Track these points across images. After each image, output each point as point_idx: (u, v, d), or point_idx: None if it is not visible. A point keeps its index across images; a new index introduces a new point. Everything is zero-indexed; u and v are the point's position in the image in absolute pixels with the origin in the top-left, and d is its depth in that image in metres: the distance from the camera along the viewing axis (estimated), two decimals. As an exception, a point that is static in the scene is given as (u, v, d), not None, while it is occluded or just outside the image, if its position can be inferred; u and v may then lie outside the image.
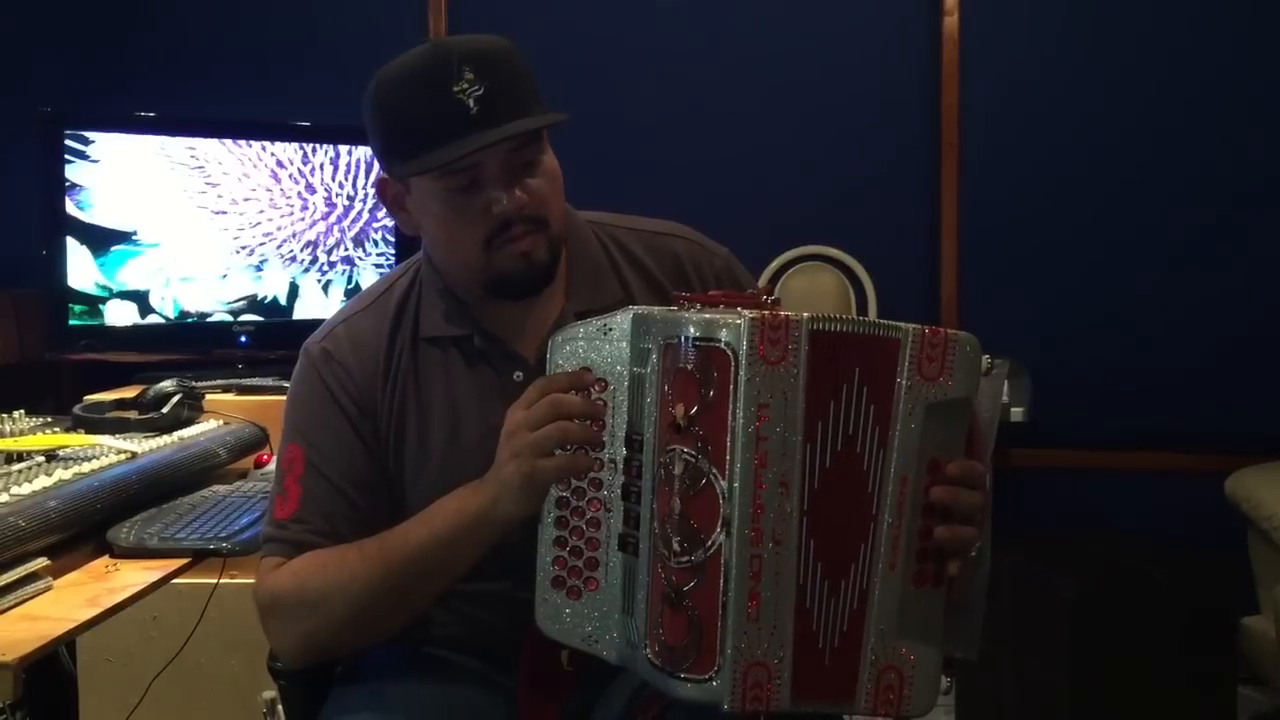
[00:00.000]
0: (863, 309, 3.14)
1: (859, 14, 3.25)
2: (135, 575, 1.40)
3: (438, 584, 1.26)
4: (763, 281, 3.08)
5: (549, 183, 1.29)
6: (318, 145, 2.88)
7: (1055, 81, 3.19)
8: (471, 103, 1.20)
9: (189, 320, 2.79)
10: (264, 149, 2.83)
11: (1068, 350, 3.17)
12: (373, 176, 2.98)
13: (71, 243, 2.64)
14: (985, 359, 1.14)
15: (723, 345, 1.05)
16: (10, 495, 1.40)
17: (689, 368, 1.06)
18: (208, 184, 2.78)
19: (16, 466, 1.57)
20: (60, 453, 1.66)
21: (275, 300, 2.87)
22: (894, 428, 1.10)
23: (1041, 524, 3.08)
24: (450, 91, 1.20)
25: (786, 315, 1.06)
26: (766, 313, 1.07)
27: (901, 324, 1.11)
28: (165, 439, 1.82)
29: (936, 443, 1.11)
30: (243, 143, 2.80)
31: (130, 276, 2.72)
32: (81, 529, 1.45)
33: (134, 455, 1.69)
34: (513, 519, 1.18)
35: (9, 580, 1.27)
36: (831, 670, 1.09)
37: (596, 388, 1.14)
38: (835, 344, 1.08)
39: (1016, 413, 2.77)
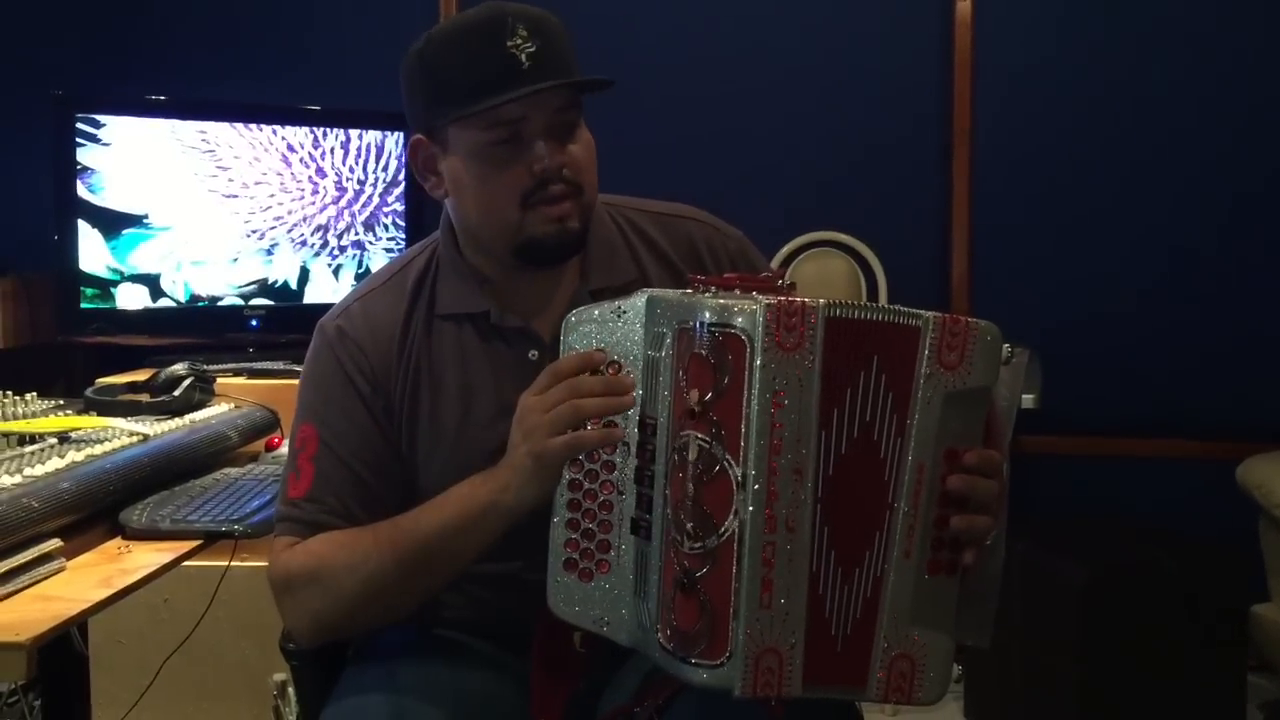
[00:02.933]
0: (873, 295, 3.14)
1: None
2: (147, 557, 1.41)
3: (449, 569, 1.26)
4: (774, 266, 3.08)
5: (587, 151, 1.31)
6: (329, 129, 2.88)
7: (1067, 68, 3.17)
8: (524, 58, 1.23)
9: (200, 304, 2.79)
10: (275, 133, 2.83)
11: (1079, 337, 3.16)
12: (382, 159, 2.98)
13: (83, 226, 2.65)
14: (1005, 348, 1.14)
15: (738, 331, 1.04)
16: (23, 477, 1.40)
17: (704, 353, 1.05)
18: (219, 168, 2.78)
19: (29, 448, 1.57)
20: (73, 435, 1.67)
21: (286, 284, 2.88)
22: (912, 416, 1.09)
23: (1052, 511, 3.08)
24: (505, 46, 1.23)
25: (803, 301, 1.06)
26: (783, 299, 1.06)
27: (922, 312, 1.10)
28: (177, 422, 1.83)
29: (954, 432, 1.11)
30: (254, 126, 2.80)
31: (141, 260, 2.72)
32: (94, 511, 1.45)
33: (146, 438, 1.69)
34: (524, 505, 1.18)
35: (22, 561, 1.27)
36: (844, 657, 1.09)
37: (610, 370, 1.14)
38: (853, 331, 1.08)
39: (1028, 399, 2.76)
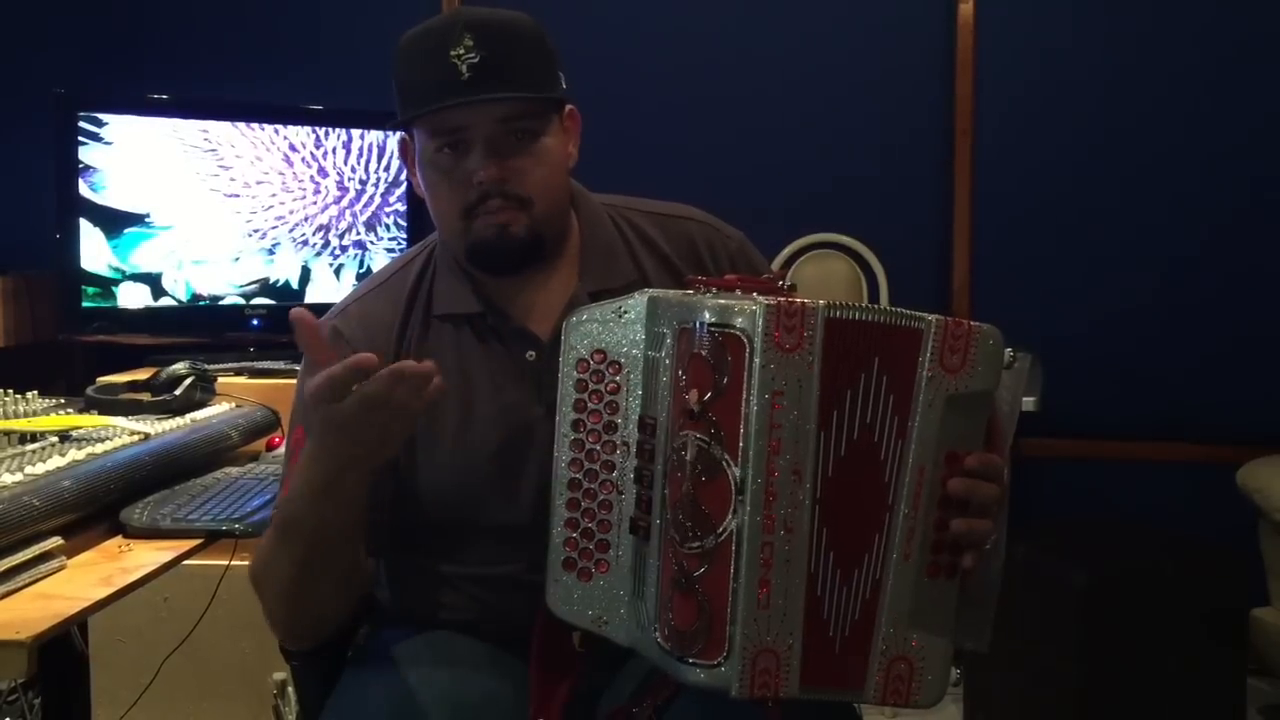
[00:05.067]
0: (874, 297, 3.14)
1: (874, 1, 3.24)
2: (148, 555, 1.41)
3: (334, 546, 1.22)
4: (774, 268, 3.08)
5: (539, 163, 1.29)
6: (330, 129, 2.88)
7: (1070, 70, 3.17)
8: (464, 68, 1.23)
9: (201, 303, 2.80)
10: (277, 132, 2.83)
11: (1079, 340, 3.16)
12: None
13: (85, 225, 2.65)
14: (1007, 352, 1.14)
15: (738, 331, 1.04)
16: (24, 475, 1.40)
17: (703, 353, 1.06)
18: (220, 167, 2.78)
19: (30, 447, 1.57)
20: (73, 433, 1.67)
21: (287, 284, 2.88)
22: (913, 418, 1.09)
23: (1052, 514, 3.08)
24: (447, 55, 1.24)
25: (803, 302, 1.06)
26: (782, 299, 1.06)
27: (924, 314, 1.10)
28: (178, 421, 1.83)
29: (956, 434, 1.11)
30: (255, 126, 2.81)
31: (143, 259, 2.72)
32: (95, 509, 1.45)
33: (147, 436, 1.69)
34: (365, 478, 1.17)
35: (23, 559, 1.28)
36: (842, 659, 1.09)
37: (610, 370, 1.14)
38: (853, 332, 1.08)
39: (1028, 402, 2.75)
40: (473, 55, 1.23)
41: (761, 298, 1.06)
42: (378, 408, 1.09)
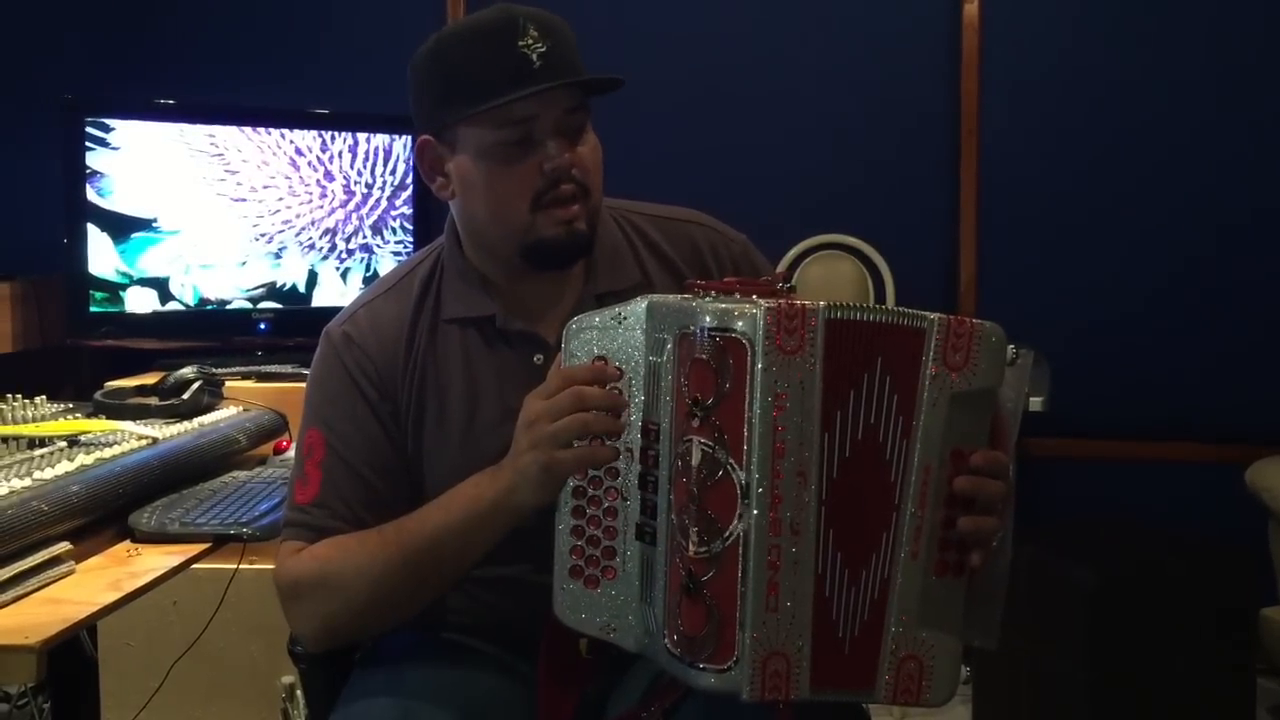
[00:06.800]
0: (880, 297, 3.13)
1: (880, 1, 3.24)
2: (156, 560, 1.41)
3: (454, 569, 1.26)
4: (780, 269, 3.08)
5: (594, 153, 1.31)
6: (336, 133, 2.89)
7: (1075, 70, 3.17)
8: (535, 58, 1.24)
9: (208, 307, 2.80)
10: (283, 136, 2.84)
11: (1087, 339, 3.15)
12: (393, 158, 2.99)
13: (92, 229, 2.66)
14: (1010, 349, 1.14)
15: (738, 335, 1.04)
16: (33, 480, 1.41)
17: (705, 358, 1.05)
18: (227, 171, 2.79)
19: (39, 451, 1.58)
20: (82, 438, 1.67)
21: (294, 287, 2.88)
22: (917, 417, 1.09)
23: (1060, 514, 3.06)
24: (517, 46, 1.24)
25: (803, 304, 1.06)
26: (783, 302, 1.06)
27: (926, 313, 1.10)
28: (186, 425, 1.83)
29: (960, 433, 1.11)
30: (262, 130, 2.81)
31: (150, 263, 2.73)
32: (103, 514, 1.45)
33: (155, 441, 1.69)
34: (528, 507, 1.18)
35: (32, 564, 1.28)
36: (851, 659, 1.09)
37: (612, 376, 1.14)
38: (855, 333, 1.08)
39: (1036, 402, 2.75)
40: (541, 45, 1.24)
41: (762, 300, 1.06)
42: (582, 413, 1.12)
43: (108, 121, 2.67)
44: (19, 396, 1.84)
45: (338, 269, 2.93)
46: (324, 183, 2.89)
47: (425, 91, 1.31)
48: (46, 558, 1.30)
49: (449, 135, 1.31)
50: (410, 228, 3.00)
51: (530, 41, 1.24)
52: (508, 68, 1.23)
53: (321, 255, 2.91)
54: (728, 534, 1.04)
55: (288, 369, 2.60)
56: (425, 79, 1.30)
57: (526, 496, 1.17)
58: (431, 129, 1.32)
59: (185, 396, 1.93)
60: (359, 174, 2.93)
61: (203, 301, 2.80)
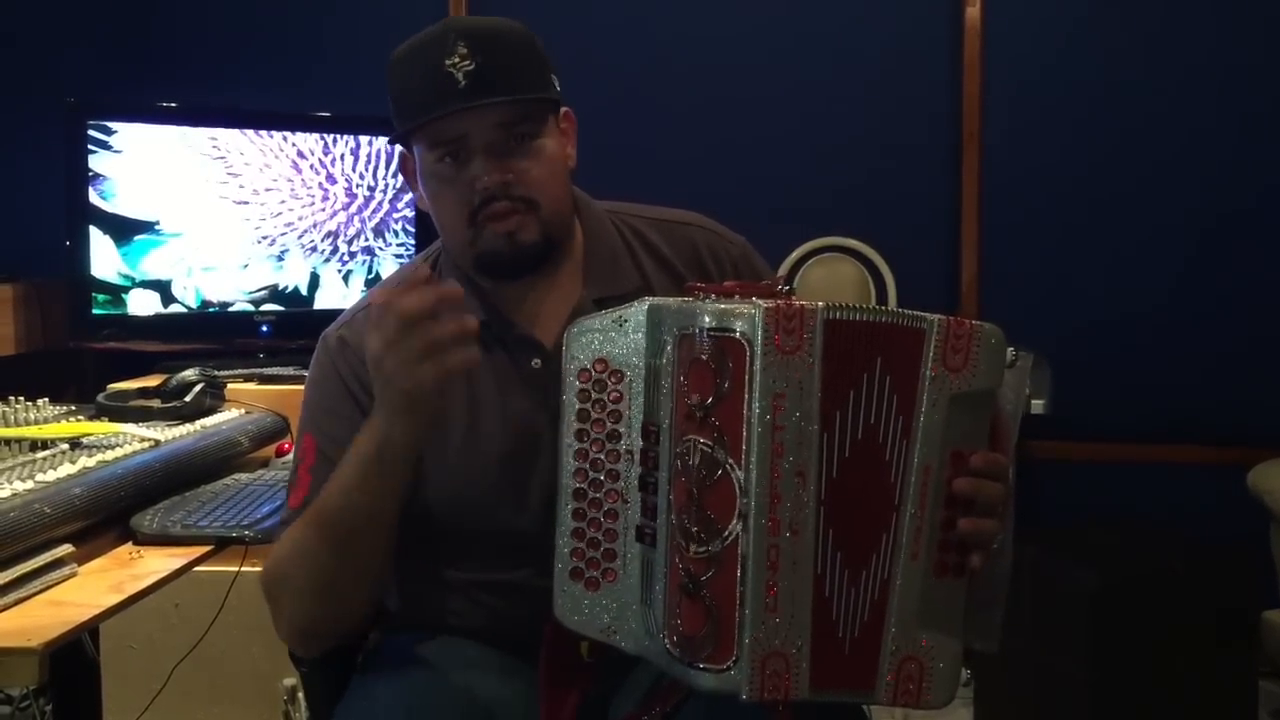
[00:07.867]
0: (882, 299, 3.13)
1: (881, 4, 3.24)
2: (158, 562, 1.41)
3: (373, 535, 1.23)
4: (782, 272, 3.08)
5: (542, 165, 1.30)
6: (338, 136, 2.89)
7: (1077, 72, 3.17)
8: (460, 76, 1.24)
9: (211, 310, 2.81)
10: (285, 139, 2.84)
11: (1088, 342, 3.15)
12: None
13: (94, 232, 2.66)
14: (1009, 351, 1.14)
15: (738, 335, 1.05)
16: (35, 482, 1.41)
17: (704, 358, 1.06)
18: (229, 174, 2.79)
19: (41, 454, 1.58)
20: (84, 440, 1.67)
21: (296, 290, 2.89)
22: (917, 418, 1.09)
23: (1062, 516, 3.07)
24: (441, 65, 1.24)
25: (801, 304, 1.06)
26: (781, 302, 1.07)
27: (926, 314, 1.11)
28: (188, 427, 1.83)
29: (960, 434, 1.11)
30: (264, 133, 2.82)
31: (152, 266, 2.74)
32: (105, 516, 1.46)
33: (157, 443, 1.70)
34: (411, 439, 1.17)
35: (35, 566, 1.28)
36: (851, 660, 1.09)
37: (612, 379, 1.14)
38: (854, 333, 1.08)
39: (1037, 405, 2.76)
40: (468, 63, 1.24)
41: (761, 301, 1.07)
42: (414, 329, 1.10)
43: (110, 124, 2.67)
44: (21, 399, 1.84)
45: (340, 271, 2.93)
46: (326, 185, 2.89)
47: (390, 107, 1.33)
48: (49, 560, 1.31)
49: (412, 150, 1.33)
50: (412, 230, 3.01)
51: (457, 60, 1.24)
52: (433, 87, 1.24)
53: (324, 258, 2.91)
54: (726, 534, 1.05)
55: (290, 371, 2.59)
56: (389, 95, 1.32)
57: (403, 428, 1.16)
58: (402, 143, 1.34)
59: (187, 399, 1.94)
60: (361, 177, 2.93)
61: (205, 304, 2.80)
